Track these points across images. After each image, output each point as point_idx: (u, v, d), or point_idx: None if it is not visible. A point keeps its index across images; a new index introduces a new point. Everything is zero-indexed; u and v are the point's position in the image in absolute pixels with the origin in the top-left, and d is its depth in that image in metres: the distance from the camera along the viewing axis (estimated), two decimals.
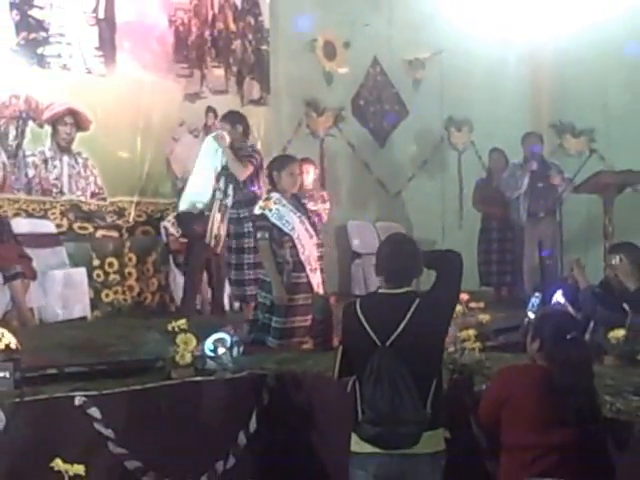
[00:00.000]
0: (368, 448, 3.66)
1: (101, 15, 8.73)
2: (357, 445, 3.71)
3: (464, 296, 5.68)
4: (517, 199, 8.74)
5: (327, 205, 8.01)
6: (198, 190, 7.30)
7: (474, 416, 4.13)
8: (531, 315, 5.38)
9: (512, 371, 3.91)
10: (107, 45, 8.75)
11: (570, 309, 5.18)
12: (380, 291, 3.82)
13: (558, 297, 5.94)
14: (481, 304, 5.84)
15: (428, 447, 3.63)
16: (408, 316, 3.62)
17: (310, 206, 7.28)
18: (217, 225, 7.26)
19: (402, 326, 3.61)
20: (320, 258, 7.91)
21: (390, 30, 10.66)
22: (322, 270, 8.11)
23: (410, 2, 10.48)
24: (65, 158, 8.48)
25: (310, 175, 8.05)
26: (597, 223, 8.61)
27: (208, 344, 5.26)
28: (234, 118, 7.31)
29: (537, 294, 5.99)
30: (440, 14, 10.42)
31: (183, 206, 7.54)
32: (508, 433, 3.72)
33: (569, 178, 8.65)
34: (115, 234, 8.63)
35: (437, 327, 3.75)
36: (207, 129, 9.21)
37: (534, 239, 8.72)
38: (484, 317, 5.69)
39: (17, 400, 4.31)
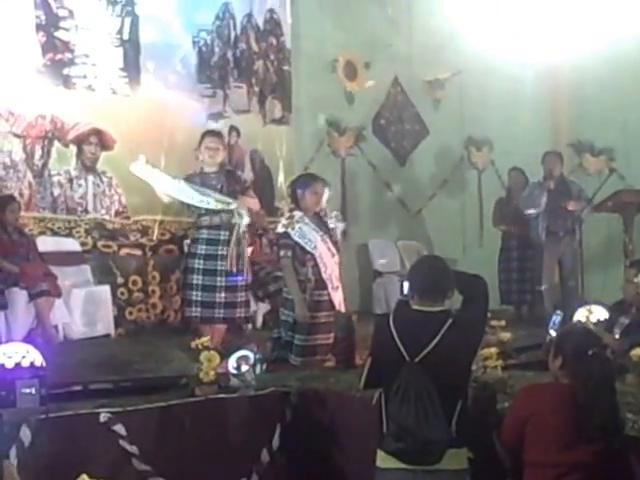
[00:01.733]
0: (392, 463, 3.68)
1: (125, 36, 8.83)
2: (382, 461, 3.73)
3: None
4: (536, 218, 8.74)
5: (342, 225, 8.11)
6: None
7: (497, 434, 4.14)
8: (553, 333, 5.41)
9: (535, 389, 3.92)
10: (131, 66, 8.84)
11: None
12: (414, 307, 3.83)
13: (580, 316, 5.98)
14: (502, 322, 5.85)
15: (451, 464, 3.65)
16: (440, 334, 3.65)
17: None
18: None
19: (433, 344, 3.63)
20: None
21: (410, 50, 10.73)
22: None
23: (430, 23, 10.54)
24: (90, 177, 8.56)
25: (325, 195, 8.17)
26: (617, 242, 8.61)
27: (231, 362, 5.30)
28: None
29: (558, 312, 6.02)
30: (459, 35, 10.46)
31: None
32: (531, 451, 3.73)
33: (588, 198, 8.66)
34: (139, 252, 8.67)
35: (467, 348, 3.78)
36: (230, 148, 9.30)
37: (554, 258, 8.72)
38: (505, 335, 5.70)
39: (43, 416, 4.35)
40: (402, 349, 3.67)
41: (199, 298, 6.52)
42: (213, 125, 9.01)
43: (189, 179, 6.73)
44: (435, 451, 3.61)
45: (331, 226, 8.01)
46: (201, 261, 6.52)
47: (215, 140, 6.85)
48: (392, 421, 3.65)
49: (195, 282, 6.53)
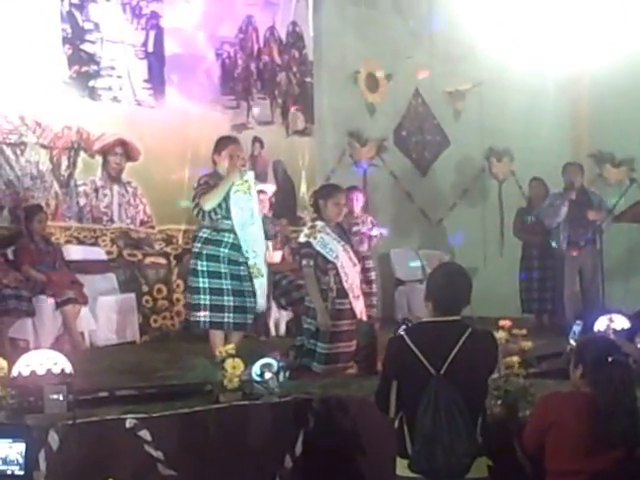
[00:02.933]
0: (415, 474, 3.65)
1: (150, 49, 8.96)
2: (403, 470, 3.71)
3: (507, 322, 5.73)
4: (557, 228, 8.76)
5: (378, 231, 8.34)
6: None
7: (519, 442, 4.14)
8: (573, 343, 5.42)
9: (557, 397, 3.91)
10: (156, 78, 8.96)
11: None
12: (426, 320, 3.82)
13: (600, 326, 6.00)
14: (523, 331, 5.87)
15: (474, 473, 3.64)
16: (459, 344, 3.62)
17: (362, 229, 7.58)
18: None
19: (454, 353, 3.61)
20: (370, 282, 8.07)
21: (431, 62, 10.79)
22: (372, 294, 8.16)
23: (450, 35, 10.61)
24: (115, 187, 8.67)
25: (360, 202, 8.34)
26: (638, 251, 8.61)
27: (255, 369, 5.32)
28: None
29: (579, 322, 6.04)
30: (479, 46, 10.51)
31: None
32: (553, 459, 3.73)
33: (608, 208, 8.66)
34: (163, 261, 8.77)
35: (486, 357, 3.77)
36: (253, 159, 9.39)
37: (575, 267, 8.72)
38: (526, 344, 5.72)
39: (70, 422, 4.39)
40: (426, 363, 3.62)
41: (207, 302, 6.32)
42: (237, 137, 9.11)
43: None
44: (464, 464, 3.59)
45: (374, 233, 8.29)
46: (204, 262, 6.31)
47: (240, 148, 6.65)
48: (422, 437, 3.59)
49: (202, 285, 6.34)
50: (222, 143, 6.51)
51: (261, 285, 6.40)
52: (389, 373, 3.81)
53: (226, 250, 6.29)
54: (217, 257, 6.29)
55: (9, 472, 3.81)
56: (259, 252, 6.41)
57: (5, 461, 3.81)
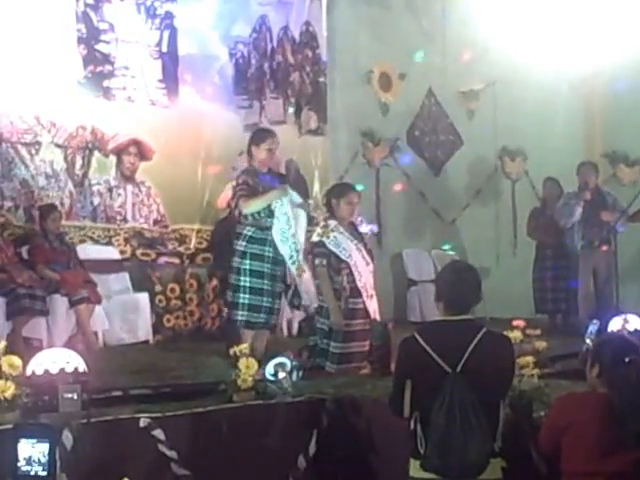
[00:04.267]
0: (428, 475, 3.65)
1: (164, 49, 8.98)
2: (417, 471, 3.70)
3: (521, 323, 5.72)
4: (571, 228, 8.74)
5: (367, 227, 8.26)
6: None
7: (534, 443, 4.14)
8: (590, 342, 5.41)
9: (573, 398, 3.90)
10: (170, 78, 8.98)
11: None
12: (438, 319, 3.81)
13: (615, 326, 5.99)
14: (537, 331, 5.86)
15: (488, 475, 3.63)
16: (474, 343, 3.61)
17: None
18: None
19: (468, 352, 3.59)
20: None
21: (444, 62, 10.77)
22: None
23: (464, 35, 10.59)
24: (129, 187, 8.70)
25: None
26: None
27: (269, 368, 5.34)
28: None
29: (595, 321, 6.03)
30: (493, 46, 10.50)
31: None
32: (568, 460, 3.72)
33: (622, 209, 8.64)
34: (176, 260, 8.77)
35: (505, 363, 3.75)
36: None
37: (589, 267, 8.70)
38: (540, 344, 5.72)
39: (84, 421, 4.41)
40: (440, 362, 3.61)
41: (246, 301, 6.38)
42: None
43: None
44: (479, 465, 3.58)
45: (363, 230, 8.21)
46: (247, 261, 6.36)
47: (278, 141, 6.63)
48: (436, 436, 3.57)
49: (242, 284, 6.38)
50: (261, 136, 6.56)
51: (306, 280, 6.45)
52: (402, 374, 3.78)
53: (271, 249, 6.37)
54: (262, 257, 6.36)
55: (32, 473, 3.81)
56: (300, 249, 6.46)
57: (29, 461, 3.81)
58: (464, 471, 3.58)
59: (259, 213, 6.32)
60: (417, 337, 3.71)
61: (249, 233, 6.35)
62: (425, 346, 3.65)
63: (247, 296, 6.33)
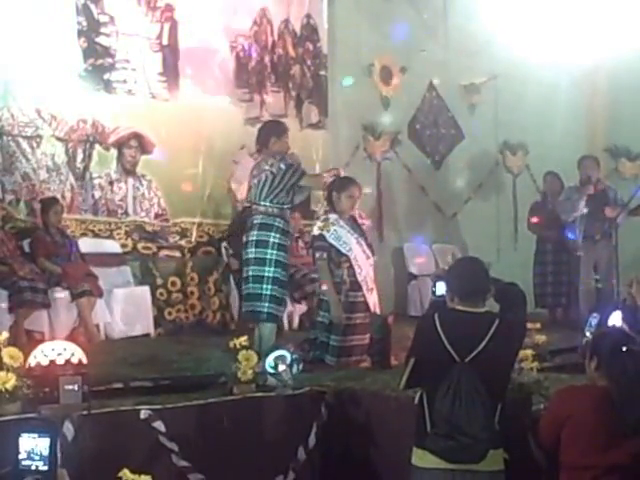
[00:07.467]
0: (430, 463, 3.71)
1: (165, 42, 8.96)
2: (419, 459, 3.76)
3: None
4: (573, 222, 8.74)
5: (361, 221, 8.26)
6: None
7: (533, 435, 4.16)
8: (589, 335, 5.42)
9: (572, 391, 3.93)
10: (170, 71, 8.97)
11: (628, 330, 5.18)
12: (458, 308, 3.85)
13: (615, 320, 5.97)
14: (537, 325, 5.86)
15: (490, 465, 3.69)
16: (489, 335, 3.70)
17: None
18: None
19: (483, 344, 3.68)
20: None
21: (446, 55, 10.76)
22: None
23: (465, 28, 10.58)
24: (130, 180, 8.69)
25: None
26: None
27: (269, 361, 5.37)
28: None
29: (595, 315, 6.03)
30: (495, 40, 10.48)
31: None
32: (567, 453, 3.74)
33: (624, 203, 8.63)
34: (177, 254, 8.77)
35: (511, 349, 3.86)
36: None
37: (590, 262, 8.70)
38: (540, 338, 5.72)
39: (85, 413, 4.42)
40: (450, 350, 3.70)
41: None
42: (251, 130, 9.15)
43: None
44: (480, 450, 3.66)
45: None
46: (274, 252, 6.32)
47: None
48: (442, 419, 3.67)
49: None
50: (282, 128, 6.74)
51: None
52: (413, 350, 3.88)
53: (288, 240, 6.42)
54: (285, 247, 6.35)
55: (33, 467, 3.82)
56: None
57: (29, 455, 3.82)
58: (466, 457, 3.66)
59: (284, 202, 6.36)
60: (435, 319, 3.79)
61: (280, 225, 6.32)
62: (440, 330, 3.74)
63: (269, 287, 6.25)
